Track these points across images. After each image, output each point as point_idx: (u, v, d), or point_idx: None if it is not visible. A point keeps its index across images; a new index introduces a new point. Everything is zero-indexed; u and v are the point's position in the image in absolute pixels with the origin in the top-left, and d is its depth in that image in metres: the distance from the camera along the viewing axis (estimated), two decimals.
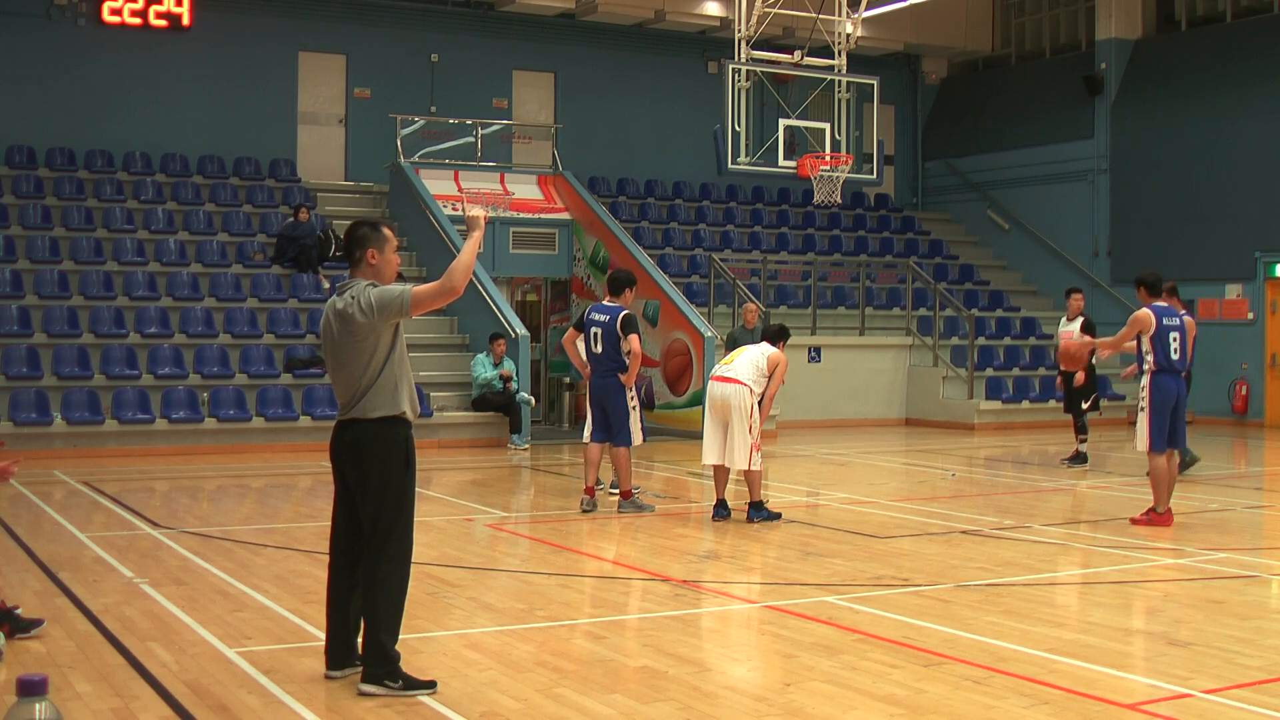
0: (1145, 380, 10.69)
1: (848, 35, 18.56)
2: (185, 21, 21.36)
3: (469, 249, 5.72)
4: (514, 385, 17.30)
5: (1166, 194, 23.06)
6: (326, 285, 19.22)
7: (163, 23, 21.27)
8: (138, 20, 21.13)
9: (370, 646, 5.74)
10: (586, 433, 11.54)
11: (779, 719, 5.43)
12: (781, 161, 18.02)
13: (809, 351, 20.99)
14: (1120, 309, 21.40)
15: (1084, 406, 15.18)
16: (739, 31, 17.85)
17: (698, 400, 16.48)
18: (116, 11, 21.00)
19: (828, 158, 18.04)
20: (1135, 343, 10.78)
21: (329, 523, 6.08)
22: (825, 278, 23.37)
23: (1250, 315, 21.74)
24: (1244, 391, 21.70)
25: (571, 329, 11.77)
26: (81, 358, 16.64)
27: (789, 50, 19.09)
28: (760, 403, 10.68)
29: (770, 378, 10.76)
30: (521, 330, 17.97)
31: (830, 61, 18.46)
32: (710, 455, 10.84)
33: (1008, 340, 22.87)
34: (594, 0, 23.17)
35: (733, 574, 8.94)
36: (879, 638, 6.74)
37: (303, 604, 7.46)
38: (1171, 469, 10.87)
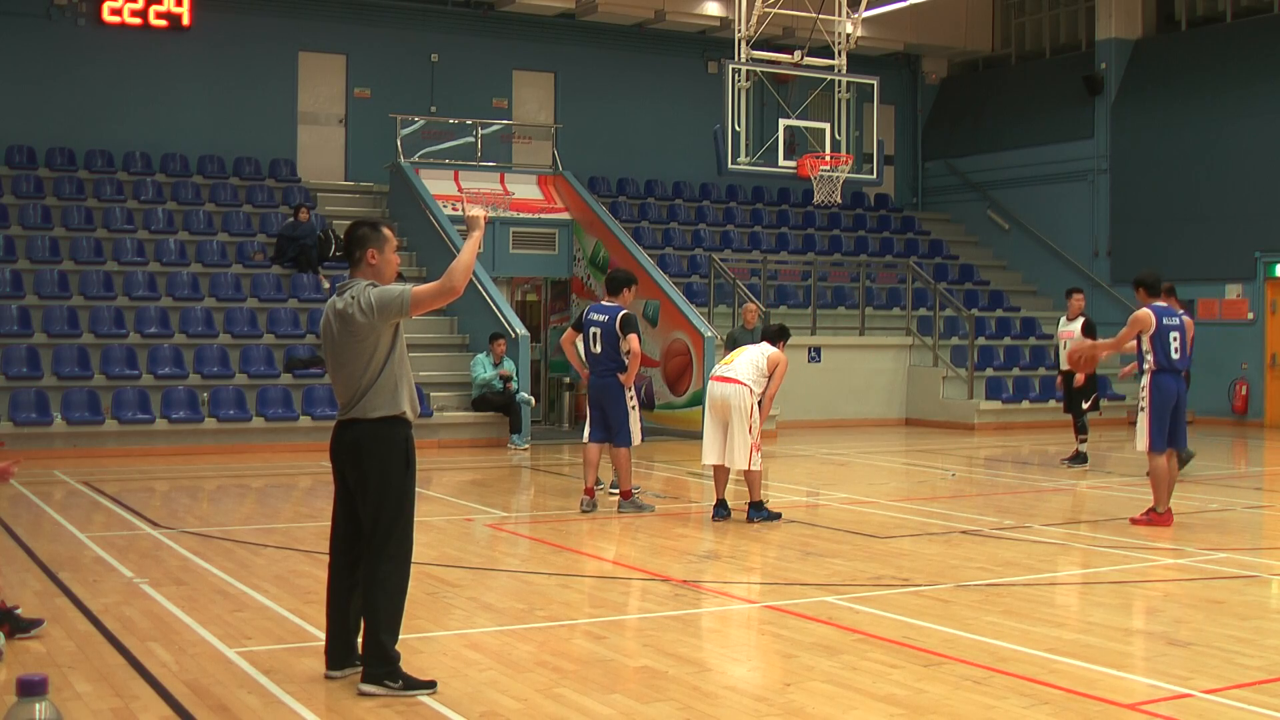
0: (1145, 380, 10.70)
1: (848, 35, 18.56)
2: (185, 21, 21.36)
3: (469, 249, 5.72)
4: (514, 385, 17.30)
5: (1166, 194, 23.06)
6: (326, 285, 19.23)
7: (163, 23, 21.28)
8: (138, 20, 21.13)
9: (370, 646, 5.74)
10: (586, 433, 11.54)
11: (779, 719, 5.43)
12: (781, 161, 18.03)
13: (809, 351, 20.99)
14: (1120, 309, 21.40)
15: (1084, 406, 15.18)
16: (739, 31, 17.85)
17: (698, 400, 16.48)
18: (116, 11, 21.01)
19: (828, 158, 18.04)
20: (1135, 343, 10.79)
21: (329, 523, 6.08)
22: (825, 278, 23.37)
23: (1250, 315, 21.74)
24: (1244, 391, 21.70)
25: (570, 329, 11.77)
26: (81, 358, 16.65)
27: (789, 50, 19.09)
28: (760, 403, 10.68)
29: (770, 378, 10.76)
30: (521, 330, 17.98)
31: (830, 61, 18.47)
32: (710, 455, 10.84)
33: (1008, 340, 22.87)
34: (594, 0, 23.17)
35: (733, 574, 8.94)
36: (879, 638, 6.74)
37: (303, 604, 7.46)
38: (1171, 469, 10.87)
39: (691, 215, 24.58)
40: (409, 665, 5.84)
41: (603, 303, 11.35)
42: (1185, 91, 23.09)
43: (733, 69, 17.60)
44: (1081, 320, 15.18)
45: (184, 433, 16.17)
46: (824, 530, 10.48)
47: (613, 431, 11.14)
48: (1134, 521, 10.72)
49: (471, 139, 22.32)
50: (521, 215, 21.18)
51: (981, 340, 21.90)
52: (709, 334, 18.46)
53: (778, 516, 10.83)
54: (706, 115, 20.56)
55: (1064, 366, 15.30)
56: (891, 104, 26.33)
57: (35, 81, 20.76)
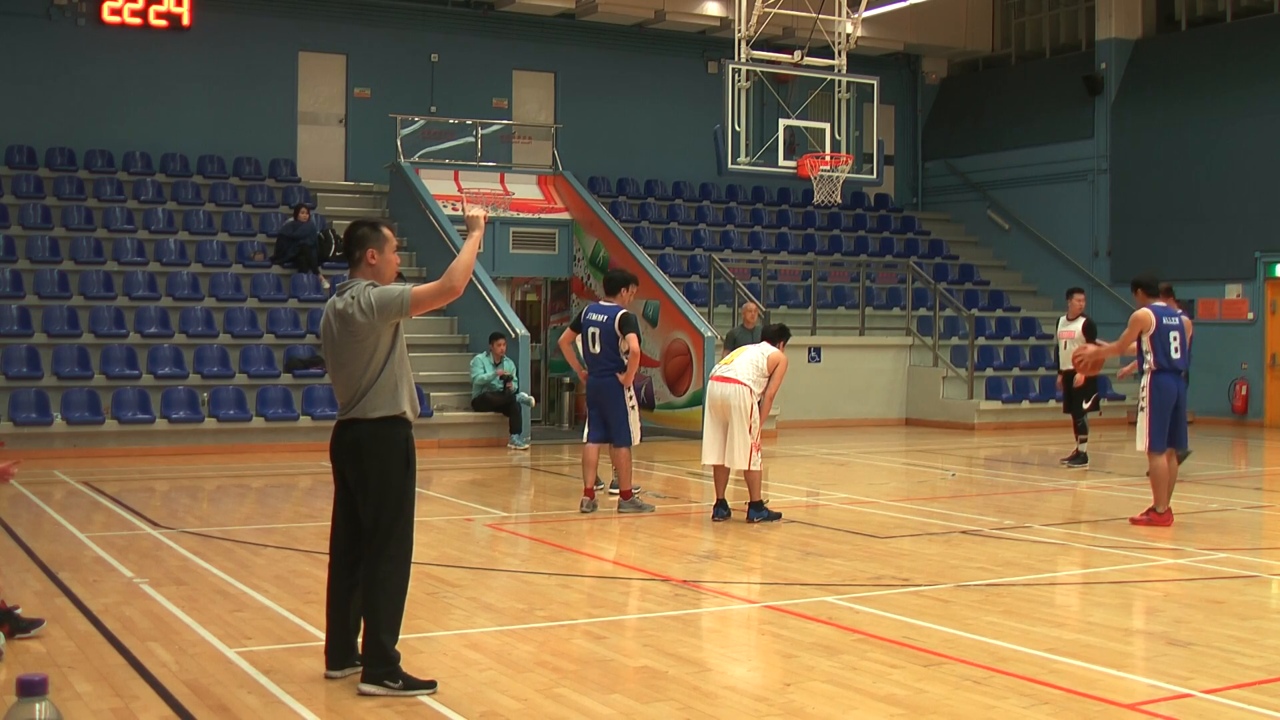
0: (1146, 380, 10.70)
1: (848, 35, 18.56)
2: (185, 21, 21.36)
3: (469, 249, 5.73)
4: (514, 385, 17.30)
5: (1166, 194, 23.06)
6: (326, 285, 19.23)
7: (163, 23, 21.28)
8: (138, 20, 21.13)
9: (370, 646, 5.74)
10: (586, 433, 11.53)
11: (779, 719, 5.43)
12: (781, 161, 18.02)
13: (809, 351, 20.99)
14: (1120, 309, 21.40)
15: (1084, 406, 15.18)
16: (739, 31, 17.85)
17: (698, 400, 16.48)
18: (116, 11, 21.01)
19: (828, 158, 18.04)
20: (1135, 343, 10.79)
21: (329, 523, 6.08)
22: (825, 278, 23.37)
23: (1250, 315, 21.74)
24: (1244, 391, 21.70)
25: (568, 330, 11.76)
26: (81, 358, 16.65)
27: (789, 50, 19.09)
28: (760, 403, 10.68)
29: (770, 378, 10.76)
30: (521, 330, 17.98)
31: (830, 61, 18.46)
32: (710, 455, 10.83)
33: (1008, 340, 22.87)
34: (594, 0, 23.17)
35: (733, 574, 8.94)
36: (879, 638, 6.74)
37: (303, 604, 7.46)
38: (1172, 469, 10.87)
39: (691, 215, 24.58)
40: (409, 665, 5.84)
41: (601, 303, 11.36)
42: (1185, 91, 23.09)
43: (733, 69, 17.60)
44: (1082, 320, 15.18)
45: (184, 433, 16.17)
46: (824, 530, 10.48)
47: (612, 431, 11.14)
48: (1134, 521, 10.72)
49: (471, 139, 22.32)
50: (521, 215, 21.18)
51: (981, 340, 21.90)
52: (709, 334, 18.46)
53: (778, 516, 10.83)
54: (706, 115, 20.56)
55: (1064, 366, 15.31)
56: (891, 104, 26.32)
57: (35, 81, 20.76)
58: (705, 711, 5.49)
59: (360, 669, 5.81)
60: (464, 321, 19.08)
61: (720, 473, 10.97)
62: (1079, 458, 15.15)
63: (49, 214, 19.47)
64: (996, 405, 20.99)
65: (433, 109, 22.97)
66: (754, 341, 11.59)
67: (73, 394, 15.98)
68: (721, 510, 10.92)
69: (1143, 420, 10.70)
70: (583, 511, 11.24)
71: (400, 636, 5.84)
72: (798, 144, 18.63)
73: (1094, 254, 24.34)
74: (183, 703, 5.57)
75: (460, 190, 21.12)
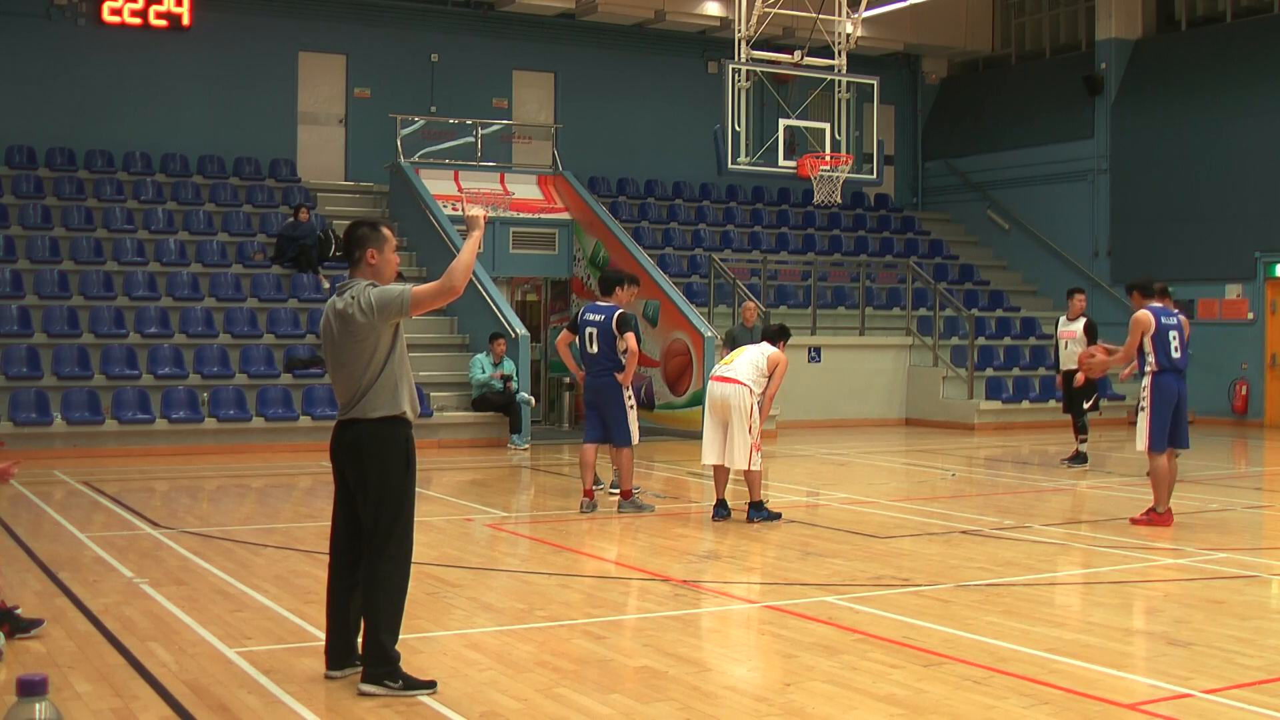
0: (1147, 380, 10.70)
1: (848, 35, 18.56)
2: (185, 21, 21.36)
3: (469, 249, 5.73)
4: (514, 385, 17.30)
5: (1166, 194, 23.06)
6: (326, 285, 19.23)
7: (163, 23, 21.28)
8: (138, 20, 21.13)
9: (370, 646, 5.74)
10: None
11: (779, 719, 5.43)
12: (781, 161, 18.02)
13: (809, 351, 20.99)
14: (1120, 309, 21.38)
15: (1084, 406, 15.18)
16: (739, 31, 17.85)
17: (698, 400, 16.48)
18: (116, 11, 21.01)
19: (828, 158, 18.04)
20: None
21: (329, 523, 6.08)
22: (825, 278, 23.37)
23: (1250, 315, 21.74)
24: (1244, 391, 21.70)
25: (565, 330, 11.74)
26: (81, 358, 16.65)
27: (789, 50, 19.09)
28: (760, 403, 10.68)
29: (770, 378, 10.76)
30: (521, 330, 17.97)
31: (830, 61, 18.46)
32: (710, 455, 10.83)
33: (1008, 340, 22.87)
34: (594, 0, 23.17)
35: (733, 574, 8.94)
36: (879, 638, 6.74)
37: (303, 604, 7.46)
38: (1172, 469, 10.87)
39: (691, 215, 24.58)
40: (409, 665, 5.84)
41: (598, 302, 11.35)
42: (1185, 91, 23.09)
43: (733, 69, 17.60)
44: (1083, 321, 15.18)
45: (184, 433, 16.17)
46: (824, 530, 10.48)
47: (610, 431, 11.13)
48: (1134, 521, 10.72)
49: (471, 139, 22.32)
50: (521, 215, 21.18)
51: (981, 340, 21.90)
52: (709, 334, 18.46)
53: (778, 516, 10.83)
54: (706, 115, 20.56)
55: (1064, 366, 15.32)
56: (891, 104, 26.32)
57: (35, 81, 20.76)
58: (705, 711, 5.49)
59: (360, 669, 5.81)
60: (464, 321, 19.08)
61: (720, 473, 10.97)
62: (1079, 458, 15.15)
63: (49, 214, 19.47)
64: (996, 405, 20.99)
65: (433, 109, 22.97)
66: (754, 341, 11.59)
67: (73, 394, 15.98)
68: (721, 510, 10.92)
69: (1143, 420, 10.69)
70: (582, 512, 11.24)
71: (400, 636, 5.84)
72: (798, 144, 18.63)
73: (1094, 254, 24.34)
74: (183, 703, 5.57)
75: (460, 190, 21.12)
